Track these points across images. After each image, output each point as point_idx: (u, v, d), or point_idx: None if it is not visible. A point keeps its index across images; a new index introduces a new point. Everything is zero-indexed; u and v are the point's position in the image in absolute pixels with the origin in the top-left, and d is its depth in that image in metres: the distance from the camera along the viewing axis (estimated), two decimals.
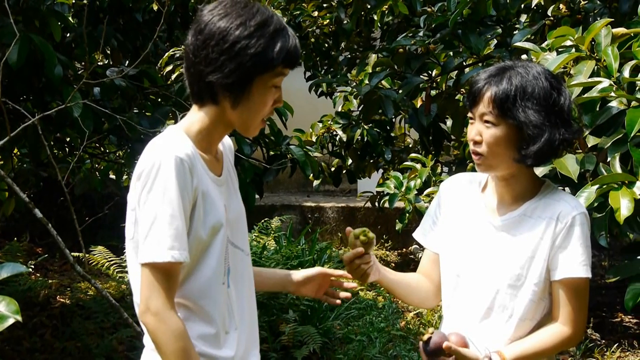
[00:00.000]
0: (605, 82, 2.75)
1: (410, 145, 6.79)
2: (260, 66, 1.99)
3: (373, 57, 5.33)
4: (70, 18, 4.78)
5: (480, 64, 4.55)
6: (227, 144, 2.27)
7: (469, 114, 2.24)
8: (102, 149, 6.23)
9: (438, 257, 2.44)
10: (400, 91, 4.90)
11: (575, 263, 2.17)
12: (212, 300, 2.06)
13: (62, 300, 6.32)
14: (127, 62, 5.85)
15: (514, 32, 4.24)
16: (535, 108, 2.12)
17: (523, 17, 4.53)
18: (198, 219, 2.00)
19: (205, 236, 2.02)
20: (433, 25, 4.70)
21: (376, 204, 6.63)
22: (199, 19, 2.02)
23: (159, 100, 5.27)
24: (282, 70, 2.08)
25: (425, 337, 2.20)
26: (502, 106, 2.13)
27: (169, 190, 1.93)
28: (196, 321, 2.04)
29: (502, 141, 2.15)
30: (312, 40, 7.29)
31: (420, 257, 2.57)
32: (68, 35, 4.99)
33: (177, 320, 1.94)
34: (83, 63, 5.11)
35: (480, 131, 2.18)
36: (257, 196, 4.59)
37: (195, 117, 2.08)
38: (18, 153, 5.61)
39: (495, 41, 4.72)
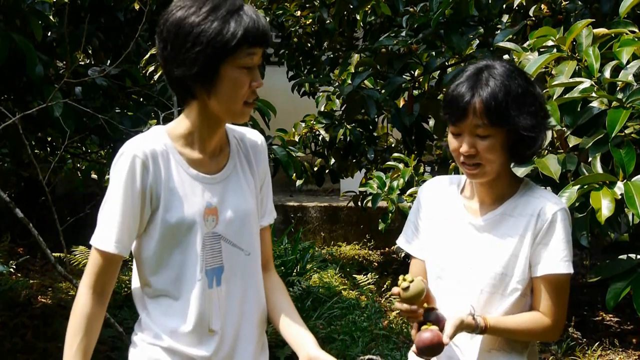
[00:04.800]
0: (587, 83, 2.77)
1: (393, 145, 6.80)
2: (219, 50, 1.95)
3: (355, 57, 5.33)
4: (51, 17, 4.75)
5: (462, 64, 4.56)
6: (250, 141, 2.25)
7: (453, 128, 2.19)
8: (84, 149, 6.20)
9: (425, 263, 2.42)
10: (383, 91, 4.90)
11: (557, 259, 2.18)
12: (186, 297, 2.08)
13: (43, 300, 6.28)
14: (109, 61, 5.81)
15: (496, 32, 4.26)
16: (525, 110, 2.12)
17: (505, 18, 4.54)
18: (158, 215, 2.05)
19: (169, 231, 2.05)
20: (415, 26, 4.71)
21: (359, 203, 6.63)
22: (159, 21, 2.06)
23: (141, 99, 5.26)
24: (248, 50, 1.98)
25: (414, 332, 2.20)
26: (496, 115, 2.10)
27: (116, 184, 2.03)
28: (172, 316, 2.10)
29: (499, 148, 2.15)
30: (295, 39, 7.30)
31: (402, 256, 2.57)
32: (49, 34, 4.95)
33: (85, 300, 2.06)
34: (64, 62, 5.07)
35: (474, 143, 2.14)
36: None
37: (182, 116, 2.13)
38: None
39: (477, 41, 4.73)
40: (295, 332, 2.23)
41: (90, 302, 2.06)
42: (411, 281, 2.16)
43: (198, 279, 2.07)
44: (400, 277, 2.18)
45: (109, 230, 2.04)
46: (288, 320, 2.25)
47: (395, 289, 2.19)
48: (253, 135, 2.27)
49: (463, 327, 2.16)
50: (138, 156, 2.02)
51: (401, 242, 2.50)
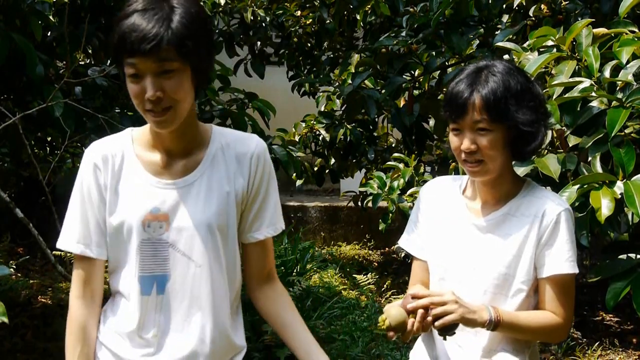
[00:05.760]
0: (586, 82, 2.77)
1: (393, 145, 6.80)
2: (113, 56, 1.92)
3: (356, 57, 5.34)
4: (51, 17, 4.74)
5: (462, 64, 4.56)
6: (238, 150, 2.10)
7: (453, 125, 2.19)
8: (84, 149, 6.19)
9: (427, 264, 2.41)
10: (383, 91, 4.91)
11: (562, 260, 2.17)
12: (124, 302, 2.07)
13: (43, 300, 6.28)
14: (109, 61, 5.81)
15: (496, 32, 4.26)
16: (525, 105, 2.13)
17: (505, 18, 4.54)
18: (107, 217, 2.04)
19: (114, 234, 2.03)
20: (415, 25, 4.71)
21: (359, 203, 6.63)
22: None
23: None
24: (127, 60, 1.87)
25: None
26: (496, 110, 2.10)
27: (75, 186, 2.05)
28: (114, 317, 2.10)
29: (500, 144, 2.14)
30: (295, 39, 7.31)
31: (402, 256, 2.57)
32: (49, 34, 4.95)
33: (76, 310, 2.07)
34: (64, 62, 5.07)
35: (474, 140, 2.14)
36: None
37: None
38: None
39: (477, 41, 4.73)
40: (305, 347, 2.18)
41: (81, 310, 2.07)
42: (385, 319, 2.12)
43: (131, 284, 2.04)
44: (380, 321, 2.15)
45: (70, 231, 2.05)
46: (300, 337, 2.19)
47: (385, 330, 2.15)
48: (246, 144, 2.12)
49: (473, 312, 2.12)
50: (92, 158, 2.04)
51: (403, 242, 2.49)
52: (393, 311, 2.13)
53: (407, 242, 2.47)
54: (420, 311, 2.12)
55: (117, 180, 2.03)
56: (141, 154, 2.05)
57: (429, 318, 2.11)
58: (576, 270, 2.19)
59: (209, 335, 2.07)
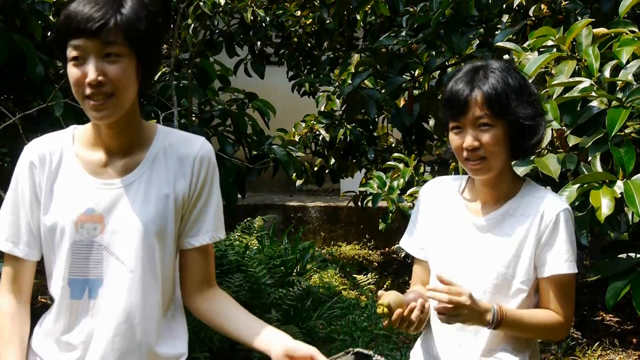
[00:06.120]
0: (586, 82, 2.77)
1: (393, 145, 6.80)
2: (57, 40, 1.83)
3: (356, 57, 5.34)
4: (51, 17, 4.75)
5: (462, 64, 4.56)
6: (181, 151, 1.99)
7: (454, 124, 2.18)
8: None
9: (428, 264, 2.41)
10: (383, 91, 4.91)
11: (561, 260, 2.17)
12: (56, 305, 1.98)
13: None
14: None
15: (496, 32, 4.26)
16: (524, 100, 2.14)
17: (505, 18, 4.54)
18: (41, 217, 1.95)
19: (47, 235, 1.95)
20: (415, 25, 4.72)
21: (359, 203, 6.63)
22: None
23: (141, 99, 5.25)
24: (72, 42, 1.79)
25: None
26: (498, 105, 2.10)
27: (12, 183, 1.98)
28: (50, 320, 2.00)
29: (502, 140, 2.14)
30: (295, 39, 7.31)
31: (402, 256, 2.57)
32: (49, 34, 4.95)
33: (4, 303, 1.98)
34: None
35: (477, 136, 2.13)
36: (239, 196, 4.59)
37: None
38: None
39: (477, 41, 4.74)
40: (262, 332, 1.99)
41: (10, 303, 1.99)
42: (382, 303, 2.14)
43: (61, 287, 1.94)
44: (379, 309, 2.15)
45: (6, 229, 1.97)
46: (248, 325, 2.02)
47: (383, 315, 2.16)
48: (189, 145, 2.01)
49: (479, 315, 2.12)
50: (29, 157, 1.97)
51: (403, 243, 2.49)
52: (392, 294, 2.16)
53: (407, 243, 2.47)
54: (420, 301, 2.15)
55: (53, 180, 1.95)
56: (80, 153, 1.97)
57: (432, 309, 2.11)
58: (575, 270, 2.19)
59: (135, 343, 1.95)
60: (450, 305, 2.08)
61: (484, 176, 2.22)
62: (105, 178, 1.94)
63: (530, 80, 2.33)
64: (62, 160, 1.96)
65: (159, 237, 1.95)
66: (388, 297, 2.15)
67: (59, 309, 1.96)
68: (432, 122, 5.24)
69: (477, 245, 2.26)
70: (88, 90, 1.80)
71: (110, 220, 1.92)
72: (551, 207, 2.19)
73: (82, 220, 1.91)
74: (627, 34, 2.85)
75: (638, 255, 2.67)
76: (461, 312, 2.09)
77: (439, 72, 4.85)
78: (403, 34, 4.79)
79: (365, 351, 2.10)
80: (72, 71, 1.81)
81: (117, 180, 1.94)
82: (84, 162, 1.96)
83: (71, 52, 1.80)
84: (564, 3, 4.10)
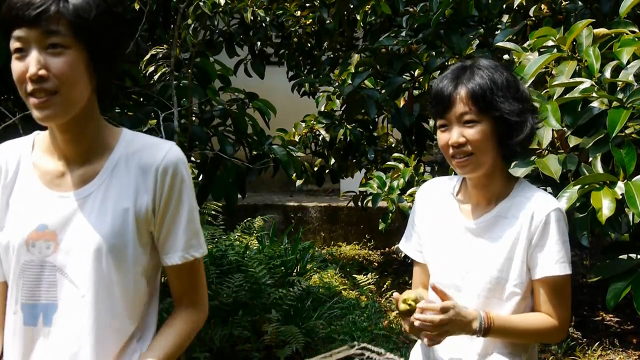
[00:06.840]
0: (587, 83, 2.77)
1: (393, 145, 6.81)
2: (3, 32, 1.64)
3: (356, 57, 5.34)
4: None
5: None
6: (143, 160, 1.77)
7: (440, 121, 2.18)
8: None
9: (427, 267, 2.40)
10: (383, 91, 4.91)
11: (552, 262, 2.15)
12: (7, 330, 1.79)
13: None
14: None
15: (496, 33, 4.26)
16: (510, 96, 2.13)
17: (505, 18, 4.54)
18: None
19: (3, 253, 1.76)
20: (415, 26, 4.72)
21: (359, 203, 6.63)
22: None
23: (141, 99, 5.25)
24: (15, 33, 1.61)
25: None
26: (482, 101, 2.10)
27: None
28: (6, 348, 1.81)
29: (488, 136, 2.13)
30: (295, 39, 7.31)
31: (402, 256, 2.56)
32: None
33: None
34: None
35: (462, 132, 2.13)
36: (239, 196, 4.58)
37: None
38: None
39: (477, 41, 4.73)
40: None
41: None
42: (408, 298, 2.14)
43: (13, 311, 1.75)
44: (402, 306, 2.15)
45: None
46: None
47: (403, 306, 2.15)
48: (153, 153, 1.77)
49: (463, 326, 2.12)
50: None
51: (402, 246, 2.49)
52: (413, 292, 2.16)
53: (406, 246, 2.47)
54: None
55: (10, 193, 1.77)
56: (38, 162, 1.78)
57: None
58: (568, 272, 2.17)
59: None
60: (433, 333, 2.09)
61: (471, 174, 2.20)
62: (62, 190, 1.74)
63: (530, 81, 2.32)
64: (20, 170, 1.79)
65: (116, 257, 1.72)
66: (411, 294, 2.14)
67: (13, 337, 1.76)
68: (432, 122, 5.23)
69: (470, 249, 2.24)
70: (30, 87, 1.60)
71: (64, 238, 1.71)
72: (541, 207, 2.17)
73: (33, 239, 1.71)
74: (627, 34, 2.85)
75: (639, 256, 2.66)
76: (444, 329, 2.08)
77: (439, 72, 4.84)
78: (403, 34, 4.80)
79: (374, 348, 1.94)
80: (14, 65, 1.62)
81: (72, 193, 1.74)
82: (41, 173, 1.77)
83: (13, 44, 1.62)
84: (564, 3, 4.10)
